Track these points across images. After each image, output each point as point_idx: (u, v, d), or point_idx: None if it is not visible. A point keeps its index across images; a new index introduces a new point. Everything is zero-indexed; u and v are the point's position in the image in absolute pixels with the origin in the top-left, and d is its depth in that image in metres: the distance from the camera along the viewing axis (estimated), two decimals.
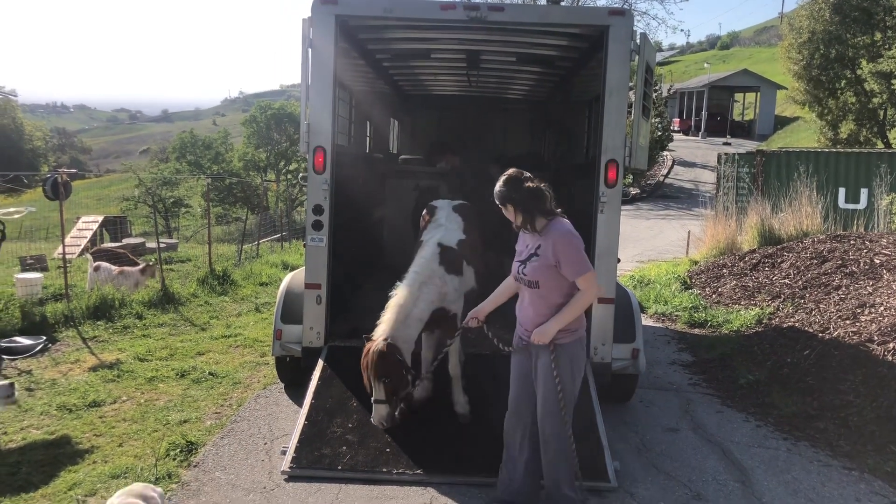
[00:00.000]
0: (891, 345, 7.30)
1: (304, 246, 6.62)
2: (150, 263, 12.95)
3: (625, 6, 35.93)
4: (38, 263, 14.87)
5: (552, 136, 12.17)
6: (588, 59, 8.11)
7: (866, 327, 7.97)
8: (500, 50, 8.66)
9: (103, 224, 23.76)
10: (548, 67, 9.41)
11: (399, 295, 5.45)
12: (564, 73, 9.53)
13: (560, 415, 4.60)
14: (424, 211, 6.87)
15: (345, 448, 5.52)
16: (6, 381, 4.99)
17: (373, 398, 5.20)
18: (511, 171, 4.72)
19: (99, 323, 9.99)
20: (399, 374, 5.21)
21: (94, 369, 8.08)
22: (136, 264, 13.00)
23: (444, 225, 6.23)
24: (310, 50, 6.41)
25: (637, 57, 6.49)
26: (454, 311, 5.79)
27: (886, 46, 31.11)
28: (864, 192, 17.82)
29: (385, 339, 5.20)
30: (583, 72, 8.85)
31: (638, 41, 6.38)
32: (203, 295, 12.28)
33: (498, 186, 4.65)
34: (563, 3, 7.98)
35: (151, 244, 20.35)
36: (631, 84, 6.66)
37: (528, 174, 4.69)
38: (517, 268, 4.72)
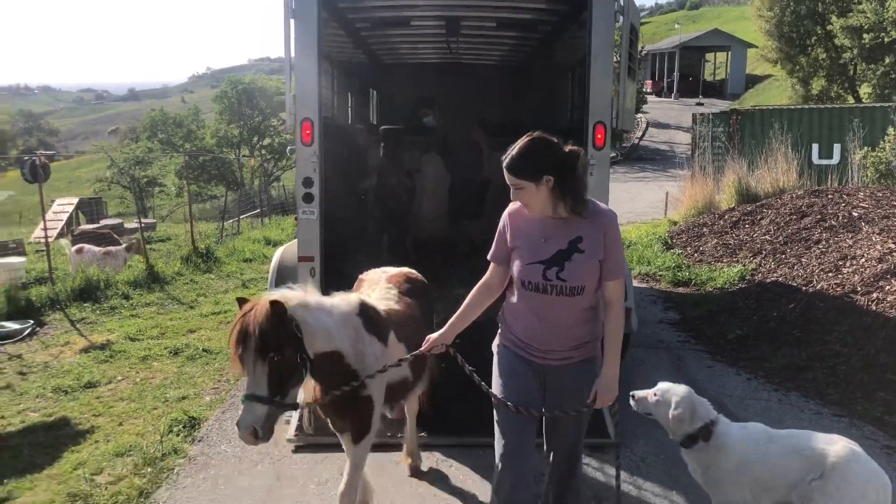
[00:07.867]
0: (874, 295, 7.47)
1: (296, 219, 6.59)
2: (134, 241, 12.88)
3: None
4: (19, 248, 14.69)
5: (534, 101, 12.15)
6: (570, 21, 8.07)
7: (849, 279, 8.14)
8: (480, 15, 8.59)
9: (78, 206, 23.49)
10: (529, 31, 9.37)
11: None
12: (545, 36, 9.49)
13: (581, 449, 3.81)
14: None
15: None
16: None
17: (245, 392, 3.29)
18: (535, 133, 3.35)
19: (85, 305, 9.93)
20: (293, 353, 3.34)
21: (85, 351, 8.05)
22: (120, 244, 12.91)
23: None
24: (292, 20, 6.32)
25: (621, 18, 6.47)
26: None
27: (856, 1, 31.31)
28: (836, 148, 18.05)
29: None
30: (564, 35, 8.82)
31: (622, 2, 6.35)
32: (188, 273, 12.22)
33: (526, 152, 3.26)
34: None
35: (129, 224, 20.16)
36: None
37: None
38: (541, 271, 3.32)
